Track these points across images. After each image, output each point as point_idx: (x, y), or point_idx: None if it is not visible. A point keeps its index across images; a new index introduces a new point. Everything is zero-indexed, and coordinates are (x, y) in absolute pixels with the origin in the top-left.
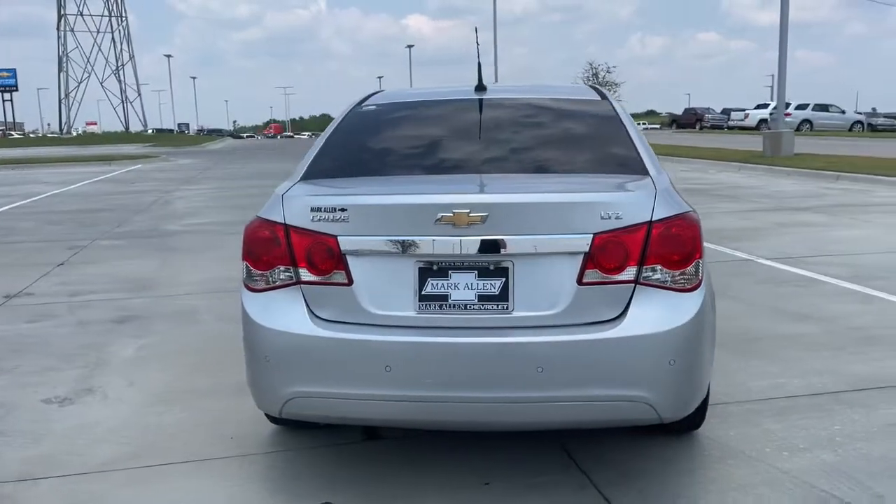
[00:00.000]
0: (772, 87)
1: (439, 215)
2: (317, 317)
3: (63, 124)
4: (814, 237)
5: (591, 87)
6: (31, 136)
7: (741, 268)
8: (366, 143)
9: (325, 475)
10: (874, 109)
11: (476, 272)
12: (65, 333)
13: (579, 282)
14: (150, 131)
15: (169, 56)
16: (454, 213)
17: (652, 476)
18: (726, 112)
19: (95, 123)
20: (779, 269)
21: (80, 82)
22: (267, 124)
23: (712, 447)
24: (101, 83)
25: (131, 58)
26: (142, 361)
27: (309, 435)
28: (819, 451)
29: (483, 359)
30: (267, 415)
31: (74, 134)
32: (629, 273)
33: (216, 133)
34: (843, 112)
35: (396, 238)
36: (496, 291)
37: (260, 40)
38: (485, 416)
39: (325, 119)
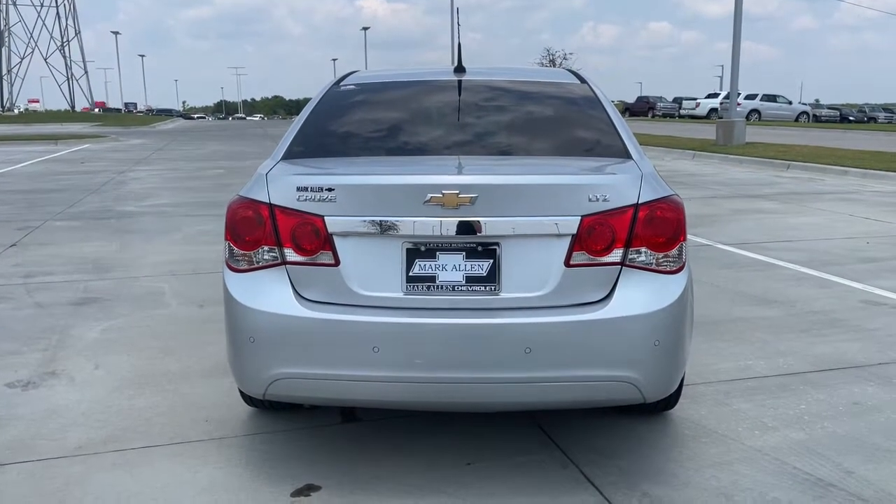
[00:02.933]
0: (721, 77)
1: (428, 196)
2: (303, 298)
3: (5, 101)
4: (769, 224)
5: (569, 71)
6: None
7: (701, 252)
8: (346, 123)
9: (304, 458)
10: (817, 101)
11: (464, 253)
12: (23, 316)
13: (567, 263)
14: (96, 110)
15: (116, 33)
16: (444, 194)
17: (630, 454)
18: (678, 101)
19: (38, 101)
20: (738, 254)
21: (23, 58)
22: (218, 106)
23: (685, 426)
24: (45, 59)
25: (77, 34)
26: (107, 344)
27: (286, 417)
28: (789, 430)
29: (471, 340)
30: (243, 397)
31: (17, 112)
32: (616, 255)
33: (166, 113)
34: (791, 103)
35: (384, 219)
36: (484, 273)
37: (211, 19)
38: (472, 398)
39: (278, 101)
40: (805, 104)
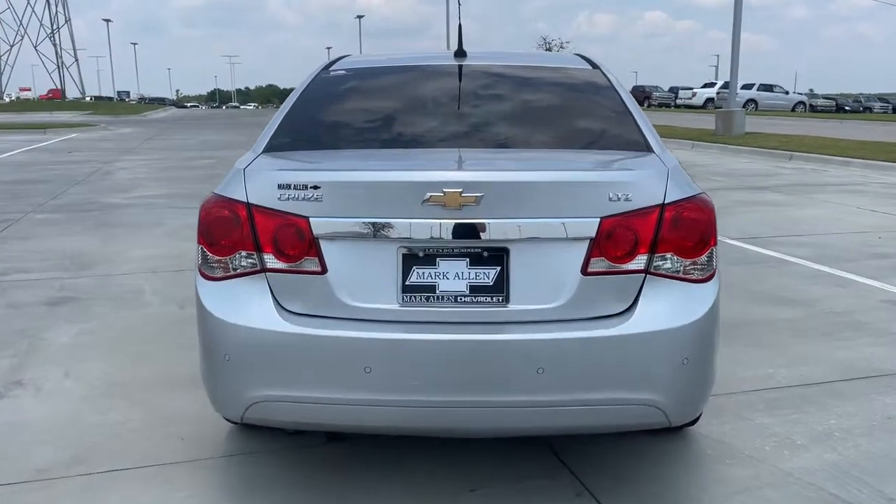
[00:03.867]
0: (716, 66)
1: (428, 195)
2: (285, 310)
3: None
4: (776, 217)
5: (579, 56)
6: None
7: None
8: (335, 112)
9: (288, 482)
10: (811, 90)
11: (468, 260)
12: None
13: (584, 271)
14: (88, 98)
15: (108, 21)
16: (445, 193)
17: (650, 479)
18: (674, 90)
19: (30, 89)
20: (748, 249)
21: (13, 45)
22: (212, 94)
23: (708, 445)
24: (35, 47)
25: (67, 21)
26: (80, 350)
27: (268, 436)
28: (820, 449)
29: (476, 358)
30: None
31: (7, 100)
32: (639, 262)
33: (158, 102)
34: (787, 93)
35: (377, 220)
36: (490, 282)
37: (204, 7)
38: (476, 423)
39: (272, 90)
40: (801, 94)
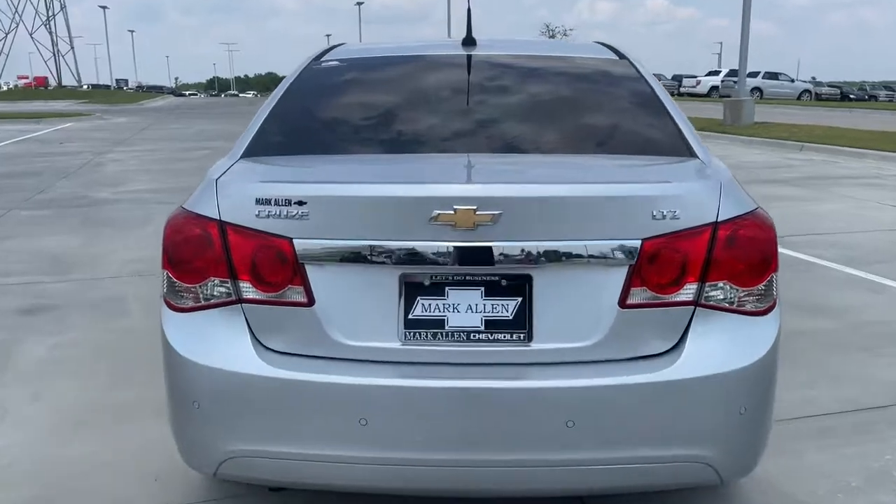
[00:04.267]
0: (720, 54)
1: (435, 213)
2: (265, 348)
3: None
4: (794, 213)
5: (601, 44)
6: None
7: None
8: (326, 110)
9: None
10: (814, 78)
11: (483, 289)
12: None
13: (622, 303)
14: (85, 87)
15: (104, 7)
16: (456, 211)
17: None
18: (677, 79)
19: (27, 77)
20: None
21: (8, 33)
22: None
23: (754, 488)
24: (30, 34)
25: (63, 7)
26: (53, 367)
27: None
28: (879, 493)
29: (492, 409)
30: None
31: (5, 88)
32: (688, 291)
33: (156, 90)
34: (793, 81)
35: (374, 243)
36: (510, 315)
37: None
38: (492, 484)
39: (271, 77)
40: (806, 82)
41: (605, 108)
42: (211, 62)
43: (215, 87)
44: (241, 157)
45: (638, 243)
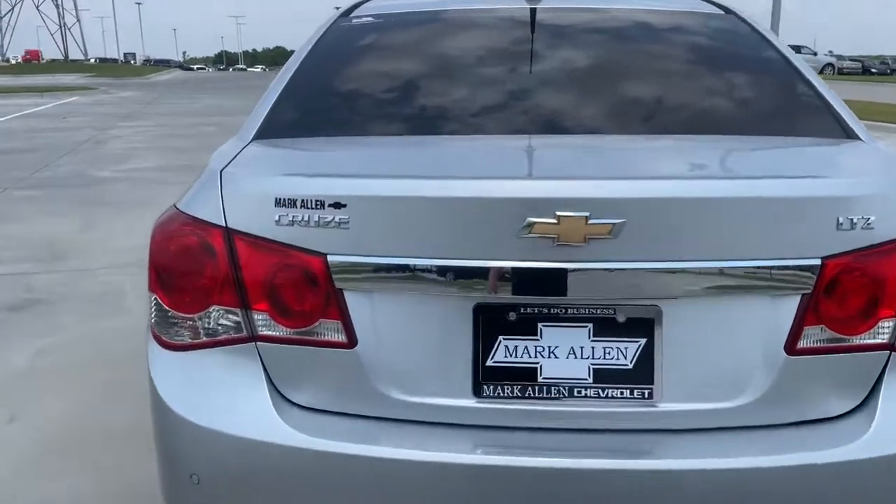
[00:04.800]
0: None
1: (529, 221)
2: (288, 403)
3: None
4: None
5: None
6: None
7: None
8: (361, 79)
9: None
10: (831, 52)
11: (591, 327)
12: None
13: (790, 348)
14: (91, 60)
15: None
16: (559, 219)
17: None
18: None
19: (37, 51)
20: None
21: (14, 6)
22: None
23: None
24: (36, 7)
25: None
26: (37, 377)
27: None
28: None
29: (607, 499)
30: None
31: (13, 62)
32: (882, 331)
33: (163, 64)
34: (815, 54)
35: (440, 262)
36: (629, 363)
37: None
38: None
39: (279, 51)
40: (828, 55)
41: (725, 75)
42: (219, 35)
43: (223, 61)
44: (254, 139)
45: (817, 263)
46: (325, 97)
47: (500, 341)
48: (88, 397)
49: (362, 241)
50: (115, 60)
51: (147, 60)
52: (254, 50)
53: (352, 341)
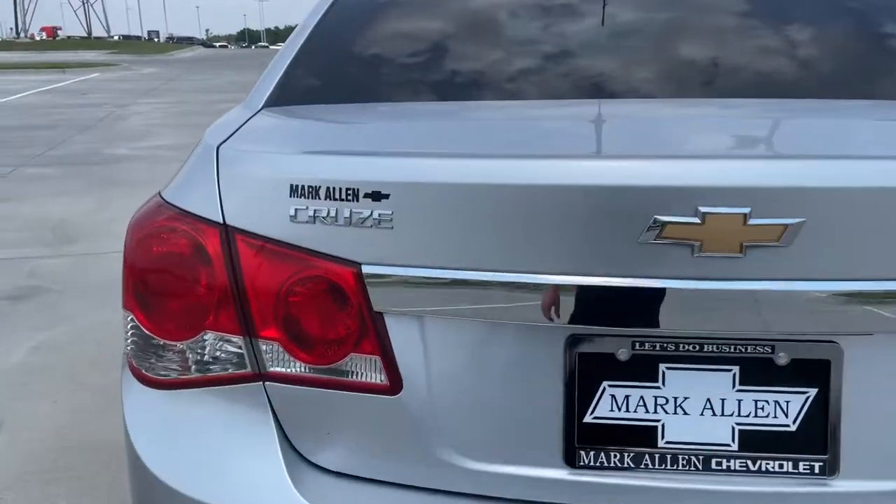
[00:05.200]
0: None
1: (658, 220)
2: (307, 465)
3: (19, 28)
4: None
5: None
6: None
7: None
8: (399, 30)
9: None
10: None
11: (737, 371)
12: None
13: None
14: (115, 38)
15: None
16: (704, 218)
17: None
18: None
19: (61, 28)
20: None
21: None
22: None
23: None
24: None
25: None
26: (31, 377)
27: None
28: None
29: None
30: None
31: (37, 38)
32: None
33: (186, 41)
34: None
35: (521, 277)
36: (791, 423)
37: None
38: None
39: None
40: None
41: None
42: (241, 13)
43: (246, 38)
44: (264, 106)
45: None
46: (355, 53)
47: (605, 389)
48: (82, 402)
49: (411, 245)
50: (138, 38)
51: (170, 38)
52: (276, 27)
53: (395, 384)
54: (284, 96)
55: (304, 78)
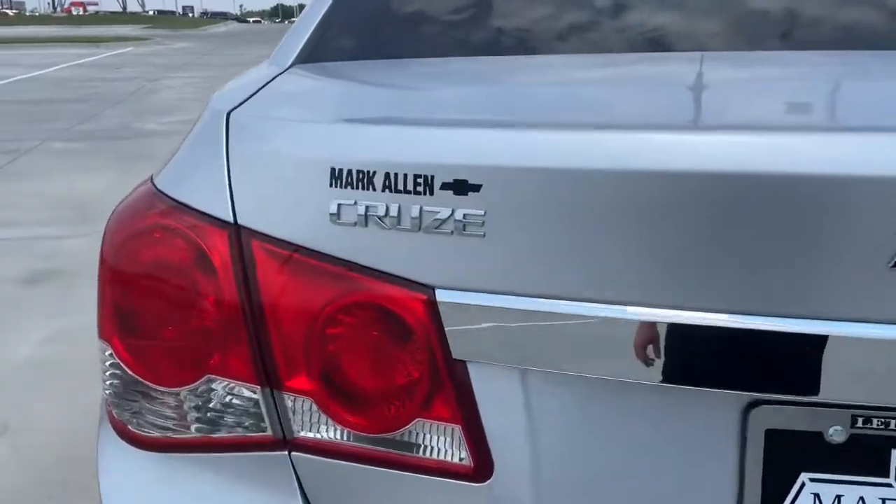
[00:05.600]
0: None
1: None
2: None
3: (56, 2)
4: None
5: None
6: (28, 15)
7: None
8: None
9: None
10: None
11: None
12: None
13: None
14: (149, 12)
15: None
16: None
17: None
18: None
19: (97, 3)
20: None
21: None
22: (274, 10)
23: None
24: None
25: None
26: (42, 371)
27: None
28: None
29: None
30: None
31: (74, 13)
32: None
33: (220, 16)
34: None
35: (680, 318)
36: None
37: None
38: None
39: None
40: None
41: None
42: None
43: (279, 14)
44: (294, 63)
45: None
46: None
47: (804, 484)
48: (97, 399)
49: (513, 263)
50: (172, 13)
51: (204, 13)
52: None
53: (483, 466)
54: (322, 49)
55: (348, 26)
